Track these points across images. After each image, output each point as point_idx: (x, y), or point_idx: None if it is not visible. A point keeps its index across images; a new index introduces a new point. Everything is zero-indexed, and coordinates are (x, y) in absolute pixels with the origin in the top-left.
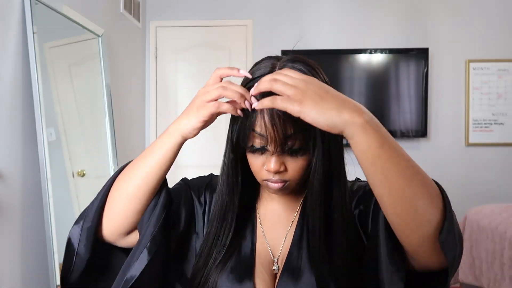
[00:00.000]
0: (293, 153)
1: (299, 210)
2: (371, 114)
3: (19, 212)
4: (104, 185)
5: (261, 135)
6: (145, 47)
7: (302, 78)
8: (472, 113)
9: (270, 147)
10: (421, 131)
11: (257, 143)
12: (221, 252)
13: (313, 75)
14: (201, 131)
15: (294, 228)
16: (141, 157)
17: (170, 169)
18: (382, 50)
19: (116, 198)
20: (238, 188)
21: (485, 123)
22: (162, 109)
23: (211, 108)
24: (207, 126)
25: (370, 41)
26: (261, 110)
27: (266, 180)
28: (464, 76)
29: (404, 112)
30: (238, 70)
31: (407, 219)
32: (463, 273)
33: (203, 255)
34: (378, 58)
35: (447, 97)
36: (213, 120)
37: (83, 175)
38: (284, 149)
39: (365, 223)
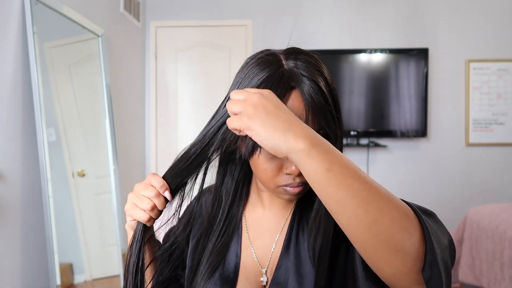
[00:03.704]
0: None
1: (289, 217)
2: (320, 137)
3: (19, 212)
4: None
5: None
6: (145, 47)
7: (254, 92)
8: (472, 113)
9: None
10: (421, 131)
11: None
12: (205, 265)
13: (320, 66)
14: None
15: (284, 236)
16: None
17: None
18: (382, 50)
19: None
20: (227, 198)
21: (485, 123)
22: (162, 109)
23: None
24: None
25: (370, 41)
26: None
27: (284, 186)
28: (464, 76)
29: (404, 112)
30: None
31: (371, 250)
32: (463, 273)
33: (192, 269)
34: (378, 58)
35: (447, 97)
36: None
37: (83, 175)
38: None
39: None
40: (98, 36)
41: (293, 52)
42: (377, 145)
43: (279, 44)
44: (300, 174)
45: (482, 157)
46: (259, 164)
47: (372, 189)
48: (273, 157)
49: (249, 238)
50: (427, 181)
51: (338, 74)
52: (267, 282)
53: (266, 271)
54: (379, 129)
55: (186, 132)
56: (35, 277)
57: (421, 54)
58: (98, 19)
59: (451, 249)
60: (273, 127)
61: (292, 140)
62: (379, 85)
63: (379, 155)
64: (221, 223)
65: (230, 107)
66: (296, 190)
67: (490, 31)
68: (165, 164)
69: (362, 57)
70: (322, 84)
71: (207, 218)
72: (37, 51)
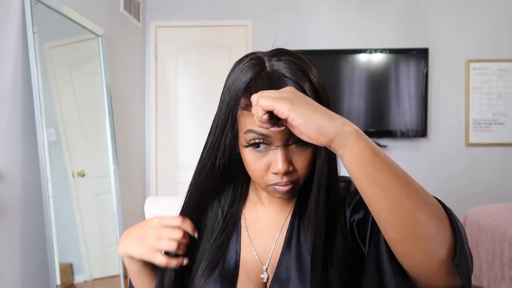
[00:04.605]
0: (298, 142)
1: (290, 213)
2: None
3: (19, 212)
4: None
5: (263, 135)
6: (145, 47)
7: (289, 90)
8: (472, 113)
9: (275, 140)
10: (421, 131)
11: (258, 137)
12: (205, 263)
13: (304, 67)
14: (201, 130)
15: (285, 233)
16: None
17: (170, 169)
18: (382, 50)
19: None
20: (226, 198)
21: (485, 123)
22: (162, 109)
23: (156, 258)
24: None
25: (370, 41)
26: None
27: (273, 185)
28: (464, 76)
29: (404, 112)
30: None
31: (409, 237)
32: None
33: (193, 268)
34: (378, 58)
35: (447, 97)
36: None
37: (83, 175)
38: (289, 140)
39: (363, 232)
40: (98, 36)
41: (277, 54)
42: (377, 145)
43: (279, 44)
44: (287, 173)
45: (482, 157)
46: (250, 165)
47: (410, 178)
48: (261, 156)
49: (249, 236)
50: (427, 181)
51: (338, 74)
52: (268, 279)
53: (266, 268)
54: (379, 129)
55: (186, 132)
56: (35, 277)
57: (421, 54)
58: (98, 19)
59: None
60: (320, 111)
61: (340, 123)
62: (379, 85)
63: None
64: (221, 222)
65: (263, 100)
66: (285, 188)
67: (490, 31)
68: (165, 164)
69: (362, 57)
70: (305, 84)
71: (207, 217)
72: (37, 51)
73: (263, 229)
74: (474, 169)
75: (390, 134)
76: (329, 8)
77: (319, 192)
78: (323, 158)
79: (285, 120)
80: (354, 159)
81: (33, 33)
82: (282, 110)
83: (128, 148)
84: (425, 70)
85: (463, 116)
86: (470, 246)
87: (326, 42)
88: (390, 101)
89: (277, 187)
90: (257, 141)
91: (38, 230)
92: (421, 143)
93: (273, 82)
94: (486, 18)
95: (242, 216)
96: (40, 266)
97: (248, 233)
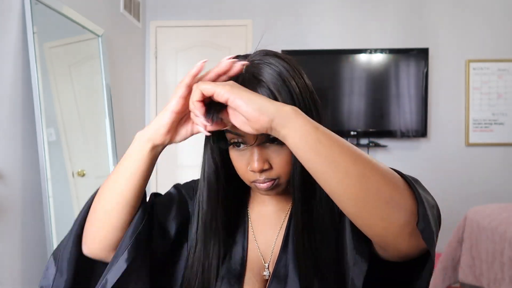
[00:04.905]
0: (275, 141)
1: (288, 212)
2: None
3: (19, 212)
4: (84, 206)
5: (237, 135)
6: (145, 47)
7: (229, 83)
8: (472, 113)
9: (249, 139)
10: (421, 131)
11: (233, 137)
12: (212, 260)
13: (285, 71)
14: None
15: (284, 230)
16: (114, 171)
17: (170, 169)
18: (382, 50)
19: (94, 217)
20: (221, 195)
21: (485, 123)
22: (162, 109)
23: (180, 93)
24: (181, 128)
25: (370, 41)
26: None
27: (254, 181)
28: (464, 76)
29: (404, 112)
30: (233, 61)
31: (363, 205)
32: (463, 273)
33: (194, 265)
34: (378, 58)
35: (447, 97)
36: (186, 118)
37: (83, 175)
38: (263, 139)
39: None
40: (98, 36)
41: (259, 55)
42: (377, 145)
43: (279, 44)
44: (263, 171)
45: (482, 157)
46: (234, 163)
47: (357, 149)
48: (242, 155)
49: (253, 233)
50: (427, 181)
51: (338, 74)
52: (269, 276)
53: (268, 265)
54: (379, 129)
55: None
56: (35, 277)
57: (421, 54)
58: (98, 19)
59: (437, 211)
60: (259, 95)
61: (278, 104)
62: (379, 85)
63: (379, 155)
64: (227, 217)
65: (203, 85)
66: (264, 186)
67: (490, 31)
68: (165, 164)
69: (362, 57)
70: (283, 89)
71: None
72: (37, 51)
73: (266, 226)
74: (474, 169)
75: (390, 134)
76: (329, 8)
77: (299, 189)
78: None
79: (225, 115)
80: (297, 136)
81: (33, 33)
82: (222, 93)
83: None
84: (425, 70)
85: (463, 116)
86: (470, 247)
87: (326, 42)
88: (390, 101)
89: (257, 184)
90: (235, 140)
91: (38, 230)
92: (421, 143)
93: (249, 85)
94: (486, 18)
95: (248, 213)
96: (40, 266)
97: (253, 230)
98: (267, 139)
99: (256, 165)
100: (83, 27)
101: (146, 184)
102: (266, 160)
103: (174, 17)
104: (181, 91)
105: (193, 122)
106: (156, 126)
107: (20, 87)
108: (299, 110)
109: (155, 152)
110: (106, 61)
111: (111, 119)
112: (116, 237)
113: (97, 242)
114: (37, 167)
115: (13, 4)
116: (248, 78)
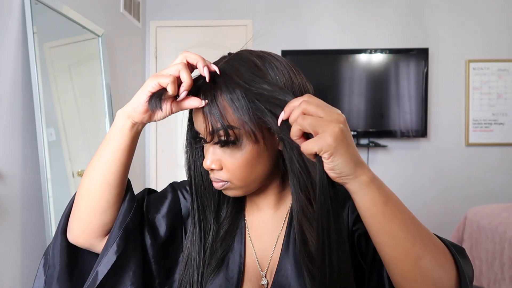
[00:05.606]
0: (224, 145)
1: (287, 216)
2: (372, 171)
3: (19, 212)
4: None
5: (197, 132)
6: (145, 47)
7: (331, 111)
8: (472, 113)
9: (204, 137)
10: (421, 131)
11: (196, 134)
12: (208, 267)
13: (248, 73)
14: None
15: (283, 238)
16: (97, 152)
17: (170, 169)
18: (382, 50)
19: (79, 201)
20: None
21: (485, 123)
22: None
23: (160, 77)
24: (159, 108)
25: (370, 41)
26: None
27: (211, 179)
28: (464, 76)
29: (404, 112)
30: (205, 66)
31: (411, 281)
32: None
33: (189, 270)
34: (378, 58)
35: (447, 97)
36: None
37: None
38: (212, 139)
39: (365, 250)
40: (98, 36)
41: (232, 56)
42: (377, 145)
43: (279, 44)
44: (211, 169)
45: (482, 157)
46: None
47: (419, 226)
48: (205, 151)
49: (250, 240)
50: (427, 181)
51: (338, 74)
52: (267, 285)
53: (265, 273)
54: (379, 129)
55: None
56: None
57: (421, 54)
58: (98, 19)
59: (471, 282)
60: (350, 157)
61: (359, 172)
62: (379, 85)
63: (379, 155)
64: (225, 222)
65: (310, 121)
66: (216, 185)
67: (490, 31)
68: (165, 164)
69: (362, 57)
70: (235, 91)
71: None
72: (37, 51)
73: (263, 233)
74: (474, 169)
75: (390, 134)
76: (329, 8)
77: (300, 196)
78: (296, 163)
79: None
80: (364, 206)
81: (33, 33)
82: (319, 150)
83: None
84: (425, 70)
85: (463, 116)
86: (470, 247)
87: (326, 42)
88: (390, 101)
89: (213, 182)
90: (200, 137)
91: (38, 230)
92: (421, 143)
93: (215, 86)
94: (486, 18)
95: (245, 219)
96: None
97: (250, 237)
98: (219, 141)
99: (204, 162)
100: (83, 27)
101: (129, 165)
102: (218, 160)
103: (174, 17)
104: (165, 80)
105: (172, 101)
106: (134, 105)
107: (20, 87)
108: (375, 179)
109: (136, 130)
110: (106, 61)
111: (111, 119)
112: (100, 222)
113: (81, 228)
114: (37, 167)
115: (13, 4)
116: (214, 80)
